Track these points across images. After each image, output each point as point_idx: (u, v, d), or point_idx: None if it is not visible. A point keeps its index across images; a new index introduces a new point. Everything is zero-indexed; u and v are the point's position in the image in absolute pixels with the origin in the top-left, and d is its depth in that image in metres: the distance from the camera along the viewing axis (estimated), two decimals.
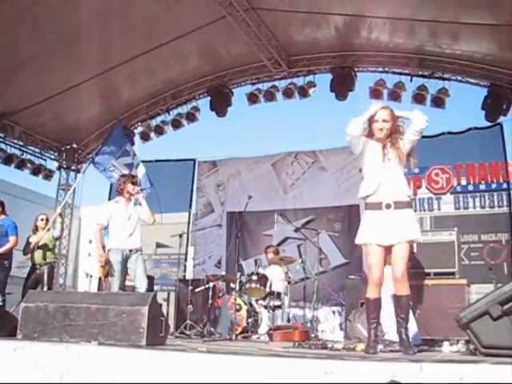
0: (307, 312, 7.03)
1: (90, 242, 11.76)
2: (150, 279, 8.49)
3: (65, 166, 10.97)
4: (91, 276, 9.33)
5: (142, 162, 8.14)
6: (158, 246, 10.32)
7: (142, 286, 5.38)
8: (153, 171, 8.31)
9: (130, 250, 5.46)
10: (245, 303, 6.74)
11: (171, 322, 7.09)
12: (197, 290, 7.11)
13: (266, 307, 6.87)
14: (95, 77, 8.85)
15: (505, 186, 8.54)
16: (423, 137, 3.84)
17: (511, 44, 7.55)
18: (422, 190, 8.97)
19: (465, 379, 2.06)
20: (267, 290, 6.87)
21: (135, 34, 8.16)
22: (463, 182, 8.79)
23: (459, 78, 8.71)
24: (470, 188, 8.76)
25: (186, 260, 9.98)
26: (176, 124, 10.30)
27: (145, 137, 10.62)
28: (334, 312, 8.54)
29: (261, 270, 7.23)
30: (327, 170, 9.78)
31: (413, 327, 4.56)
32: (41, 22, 7.32)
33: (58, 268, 10.00)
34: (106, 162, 7.68)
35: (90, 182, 12.38)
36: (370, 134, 3.79)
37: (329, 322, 8.46)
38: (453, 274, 5.81)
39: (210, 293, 6.90)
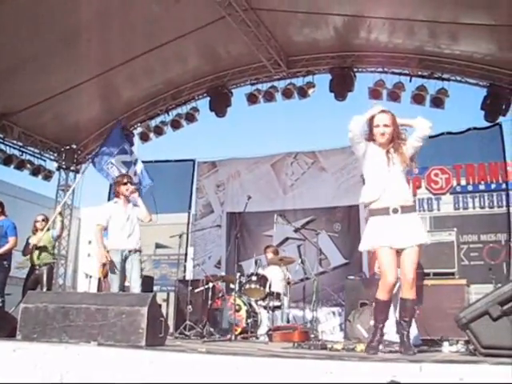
0: (307, 312, 7.04)
1: (90, 242, 11.72)
2: (150, 280, 8.53)
3: (64, 166, 10.97)
4: (91, 276, 9.32)
5: (142, 162, 8.15)
6: (158, 246, 10.32)
7: (135, 287, 5.37)
8: (152, 172, 8.31)
9: (130, 251, 5.46)
10: (244, 304, 6.73)
11: (171, 322, 7.09)
12: (196, 290, 7.11)
13: (265, 308, 6.87)
14: (95, 77, 8.84)
15: (504, 186, 8.56)
16: None
17: (510, 44, 7.56)
18: (422, 190, 8.98)
19: (465, 379, 2.06)
20: (267, 290, 6.87)
21: (135, 34, 8.15)
22: (463, 183, 8.81)
23: (458, 78, 8.71)
24: (470, 188, 8.77)
25: (185, 260, 9.97)
26: (175, 124, 10.29)
27: (144, 137, 10.61)
28: (333, 312, 8.54)
29: (260, 271, 7.23)
30: (327, 170, 9.79)
31: (413, 328, 4.55)
32: (41, 22, 7.32)
33: (57, 268, 10.00)
34: (104, 162, 7.70)
35: (90, 182, 12.38)
36: (371, 138, 3.75)
37: (328, 323, 8.46)
38: (452, 274, 5.83)
39: (210, 293, 6.91)
